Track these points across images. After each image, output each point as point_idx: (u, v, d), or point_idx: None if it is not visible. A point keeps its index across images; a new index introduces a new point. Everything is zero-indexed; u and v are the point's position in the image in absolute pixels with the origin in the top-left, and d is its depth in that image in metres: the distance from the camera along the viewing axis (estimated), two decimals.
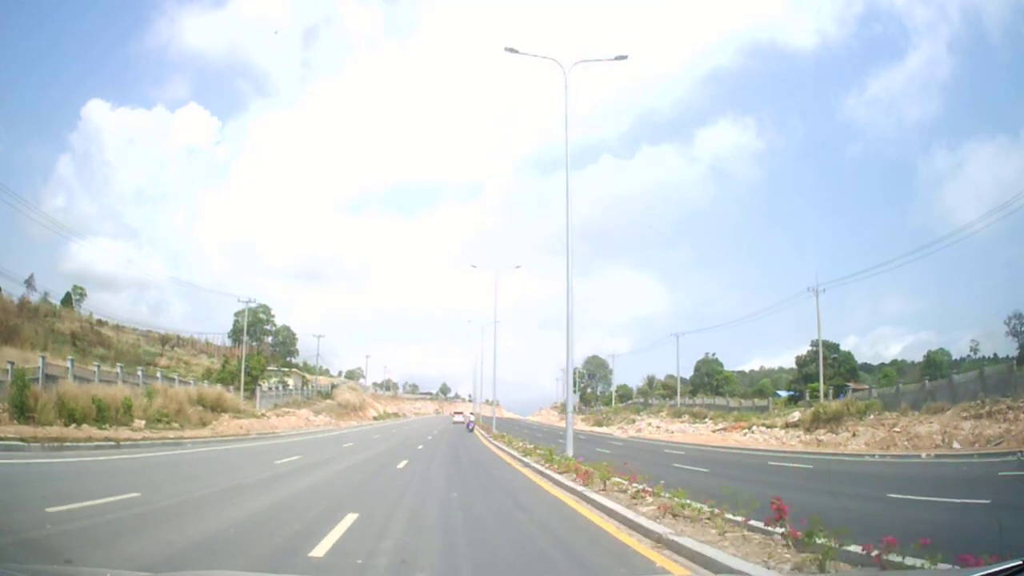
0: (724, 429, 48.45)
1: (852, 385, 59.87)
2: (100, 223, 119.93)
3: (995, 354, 61.53)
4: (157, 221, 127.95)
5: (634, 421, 67.96)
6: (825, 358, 77.29)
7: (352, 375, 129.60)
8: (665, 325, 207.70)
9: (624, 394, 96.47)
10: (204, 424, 32.18)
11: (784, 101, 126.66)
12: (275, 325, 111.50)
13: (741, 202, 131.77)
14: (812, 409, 43.37)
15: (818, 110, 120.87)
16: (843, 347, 73.20)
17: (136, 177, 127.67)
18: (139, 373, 37.62)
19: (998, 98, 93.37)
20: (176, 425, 29.80)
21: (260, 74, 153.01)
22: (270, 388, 59.78)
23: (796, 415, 44.46)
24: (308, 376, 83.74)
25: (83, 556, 5.91)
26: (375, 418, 74.33)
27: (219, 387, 40.91)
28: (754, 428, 44.91)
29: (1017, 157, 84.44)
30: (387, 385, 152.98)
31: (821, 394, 50.10)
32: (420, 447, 31.14)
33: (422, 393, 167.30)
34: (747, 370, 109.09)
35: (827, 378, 73.17)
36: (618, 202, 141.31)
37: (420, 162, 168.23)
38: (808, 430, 40.48)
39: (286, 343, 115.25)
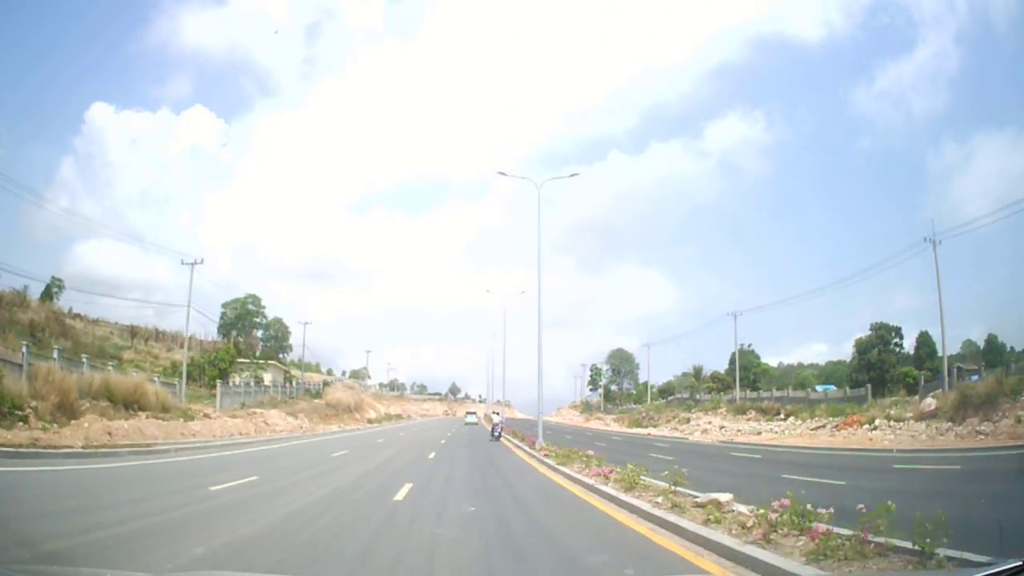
0: (834, 427, 36.50)
1: (963, 366, 47.30)
2: (105, 225, 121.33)
3: None
4: (162, 223, 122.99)
5: (688, 420, 55.96)
6: (886, 343, 66.65)
7: (357, 375, 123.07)
8: (672, 323, 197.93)
9: (665, 389, 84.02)
10: (73, 423, 20.79)
11: (793, 94, 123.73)
12: (266, 318, 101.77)
13: (750, 197, 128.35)
14: (954, 393, 31.85)
15: (827, 103, 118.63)
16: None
17: (141, 179, 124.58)
18: (83, 359, 29.57)
19: (1006, 90, 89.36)
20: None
21: (263, 72, 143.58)
22: (244, 384, 48.44)
23: (931, 402, 32.71)
24: (296, 372, 72.59)
25: None
26: (371, 421, 62.85)
27: (137, 375, 29.48)
28: (877, 423, 33.13)
29: None
30: (393, 385, 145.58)
31: (945, 375, 38.11)
32: (402, 493, 12.47)
33: (430, 394, 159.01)
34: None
35: (891, 365, 63.01)
36: (626, 198, 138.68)
37: (425, 160, 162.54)
38: (954, 420, 29.58)
39: (279, 337, 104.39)
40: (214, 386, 43.84)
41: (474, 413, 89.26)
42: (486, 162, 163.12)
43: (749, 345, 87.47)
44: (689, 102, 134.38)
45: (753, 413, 50.12)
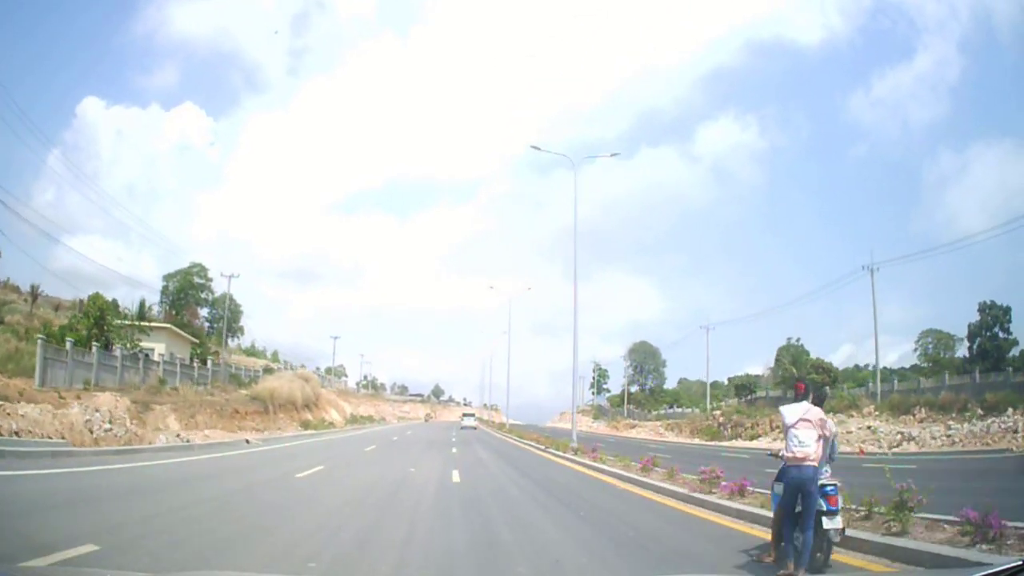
0: None
1: None
2: (91, 220, 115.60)
3: None
4: (149, 219, 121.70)
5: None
6: (989, 328, 51.26)
7: (332, 372, 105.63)
8: (660, 332, 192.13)
9: (744, 383, 64.03)
10: None
11: (788, 100, 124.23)
12: (213, 293, 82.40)
13: (742, 203, 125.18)
14: None
15: (823, 109, 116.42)
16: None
17: (128, 174, 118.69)
18: None
19: (1006, 100, 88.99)
20: None
21: (251, 65, 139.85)
22: (123, 356, 29.18)
23: None
24: (220, 351, 53.26)
25: None
26: (315, 426, 42.54)
27: None
28: None
29: None
30: (372, 384, 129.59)
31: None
32: None
33: (412, 394, 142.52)
34: None
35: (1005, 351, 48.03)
36: (616, 204, 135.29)
37: (414, 160, 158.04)
38: None
39: (229, 318, 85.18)
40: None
41: (472, 415, 73.93)
42: (476, 164, 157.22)
43: (798, 340, 70.52)
44: (684, 106, 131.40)
45: (921, 410, 31.94)
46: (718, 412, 48.10)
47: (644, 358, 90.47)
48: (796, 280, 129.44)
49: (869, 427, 32.00)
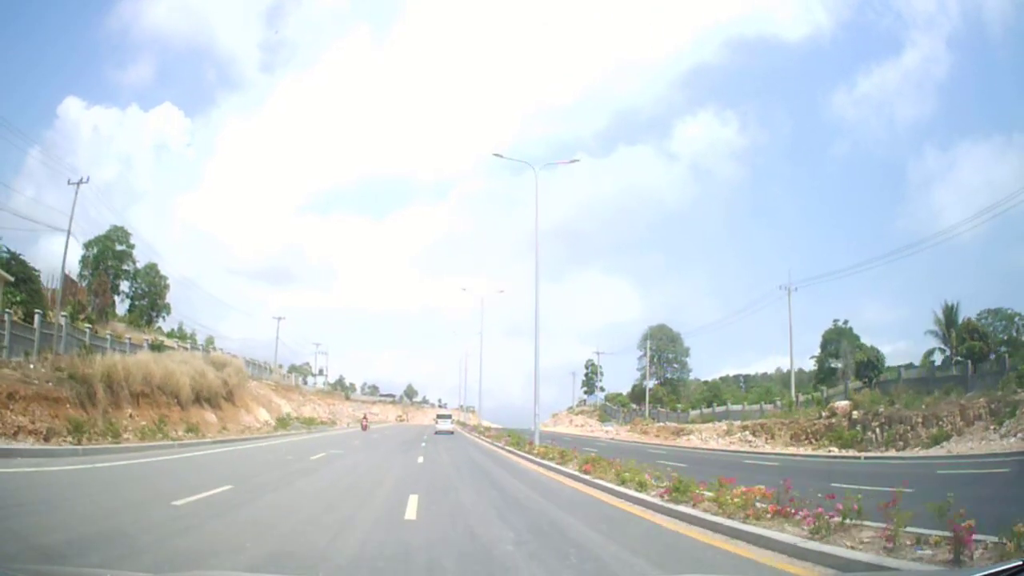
0: None
1: None
2: (65, 219, 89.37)
3: None
4: (128, 218, 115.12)
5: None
6: None
7: (297, 370, 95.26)
8: (637, 332, 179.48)
9: (828, 371, 49.01)
10: None
11: (769, 96, 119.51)
12: (134, 262, 65.91)
13: (721, 202, 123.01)
14: None
15: (805, 106, 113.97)
16: None
17: (106, 174, 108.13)
18: None
19: (991, 97, 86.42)
20: None
21: (225, 59, 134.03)
22: None
23: None
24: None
25: None
26: (190, 432, 25.42)
27: None
28: None
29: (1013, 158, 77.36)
30: (341, 383, 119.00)
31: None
32: None
33: (383, 395, 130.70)
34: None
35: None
36: (592, 203, 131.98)
37: (388, 159, 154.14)
38: None
39: (152, 293, 68.75)
40: None
41: (448, 417, 62.65)
42: (450, 162, 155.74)
43: (846, 321, 57.61)
44: (663, 104, 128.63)
45: None
46: (843, 404, 31.86)
47: (665, 345, 74.80)
48: (776, 279, 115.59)
49: None
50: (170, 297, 68.95)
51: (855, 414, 29.83)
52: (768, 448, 32.87)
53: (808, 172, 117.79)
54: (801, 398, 42.34)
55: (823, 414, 32.76)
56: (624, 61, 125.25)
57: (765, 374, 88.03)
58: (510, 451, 27.20)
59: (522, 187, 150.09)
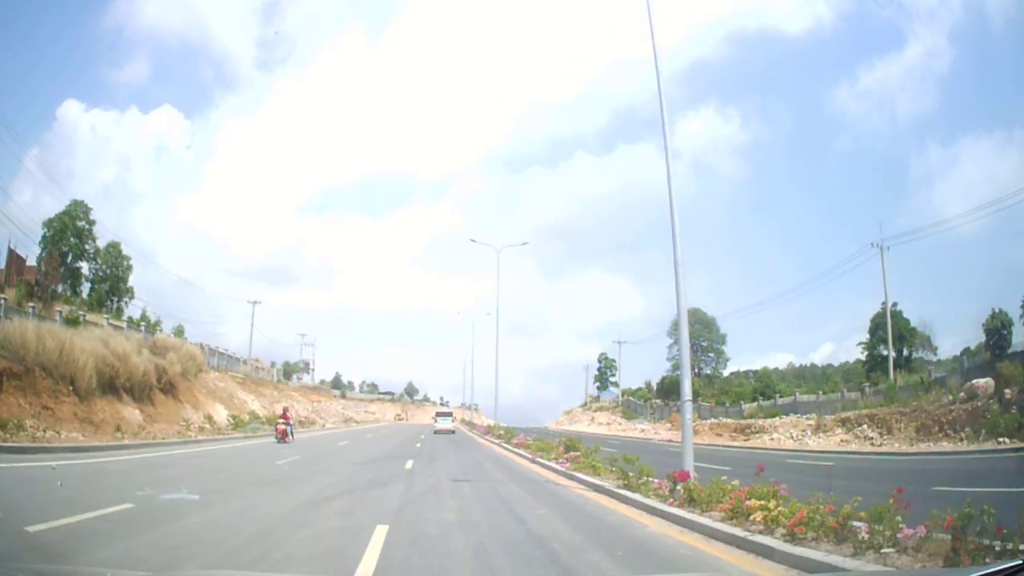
0: None
1: None
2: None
3: None
4: (126, 220, 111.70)
5: None
6: None
7: (290, 367, 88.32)
8: (638, 330, 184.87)
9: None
10: None
11: (771, 91, 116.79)
12: (94, 241, 58.12)
13: (723, 198, 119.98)
14: None
15: (807, 100, 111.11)
16: None
17: (104, 176, 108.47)
18: None
19: (995, 92, 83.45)
20: None
21: (220, 56, 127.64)
22: None
23: None
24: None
25: None
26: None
27: None
28: None
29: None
30: (337, 382, 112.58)
31: None
32: None
33: (382, 393, 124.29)
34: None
35: None
36: (593, 201, 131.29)
37: (387, 157, 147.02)
38: None
39: (113, 276, 60.41)
40: None
41: (449, 415, 58.53)
42: (448, 161, 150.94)
43: (895, 304, 48.58)
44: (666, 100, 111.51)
45: None
46: (983, 382, 23.01)
47: (700, 332, 65.71)
48: (779, 276, 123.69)
49: None
50: (133, 280, 60.99)
51: (1007, 392, 21.43)
52: (897, 446, 24.23)
53: (810, 167, 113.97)
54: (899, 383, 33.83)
55: (957, 397, 24.23)
56: (623, 57, 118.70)
57: (777, 368, 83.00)
58: (626, 496, 11.28)
59: (522, 185, 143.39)
